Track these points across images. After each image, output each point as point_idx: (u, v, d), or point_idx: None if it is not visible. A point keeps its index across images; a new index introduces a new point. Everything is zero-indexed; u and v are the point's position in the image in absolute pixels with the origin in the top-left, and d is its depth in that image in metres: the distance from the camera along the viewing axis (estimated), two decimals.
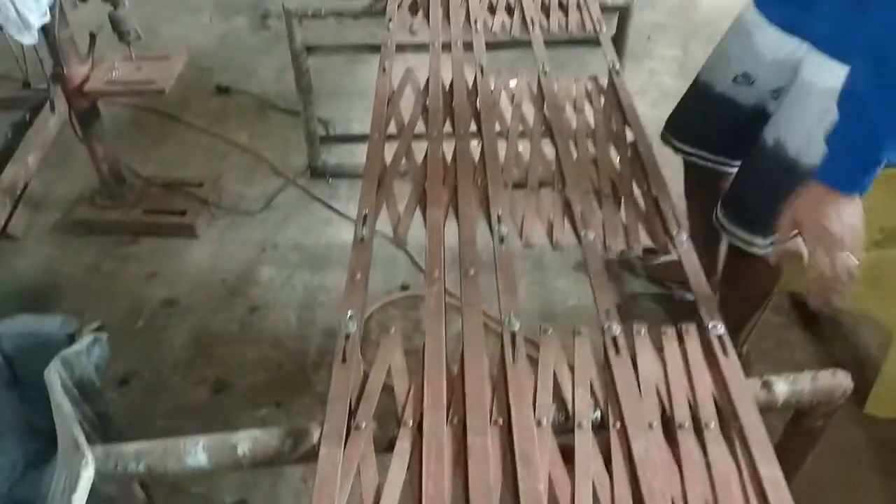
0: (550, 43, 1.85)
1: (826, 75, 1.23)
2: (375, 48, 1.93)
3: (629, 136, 1.50)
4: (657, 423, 0.92)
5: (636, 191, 1.36)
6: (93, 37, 2.00)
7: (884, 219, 1.76)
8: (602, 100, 1.64)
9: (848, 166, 1.01)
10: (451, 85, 1.62)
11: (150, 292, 2.03)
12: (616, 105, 1.59)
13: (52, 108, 2.12)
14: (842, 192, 1.00)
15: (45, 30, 1.84)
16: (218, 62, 3.14)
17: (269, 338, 1.90)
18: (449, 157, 1.41)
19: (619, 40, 2.15)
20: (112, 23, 1.90)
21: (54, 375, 1.13)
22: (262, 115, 2.84)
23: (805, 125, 1.30)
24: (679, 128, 1.66)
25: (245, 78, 3.03)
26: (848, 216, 1.00)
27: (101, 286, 2.06)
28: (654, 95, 2.92)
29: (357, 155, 2.54)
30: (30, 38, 1.78)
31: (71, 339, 1.29)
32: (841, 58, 1.19)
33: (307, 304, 2.00)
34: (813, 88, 1.28)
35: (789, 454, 1.10)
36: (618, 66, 1.70)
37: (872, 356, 1.84)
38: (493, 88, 1.63)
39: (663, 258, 1.84)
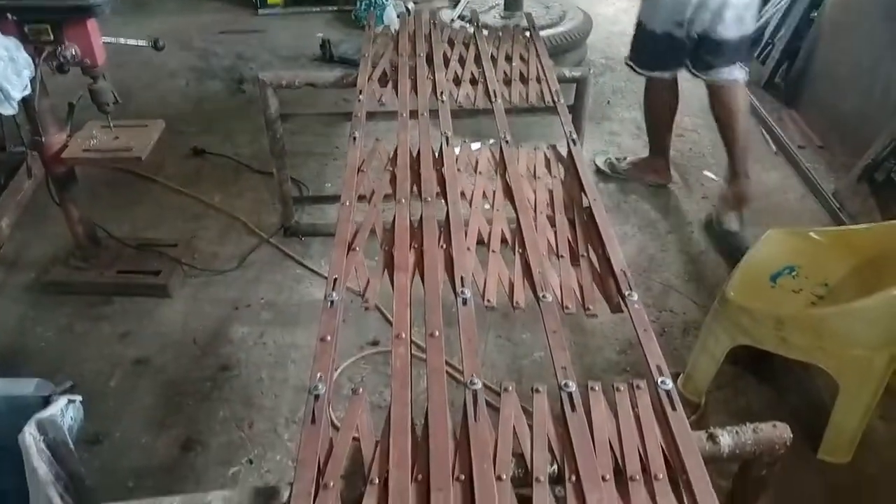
0: (512, 111, 1.97)
1: None
2: (347, 115, 2.03)
3: (585, 201, 1.60)
4: (610, 476, 0.98)
5: (591, 253, 1.45)
6: (71, 107, 2.06)
7: (828, 275, 1.88)
8: (560, 167, 1.75)
9: None
10: (418, 153, 1.71)
11: (122, 352, 2.05)
12: (573, 173, 1.69)
13: (29, 175, 2.17)
14: None
15: (25, 100, 1.91)
16: (194, 125, 3.23)
17: (241, 396, 1.93)
18: (415, 222, 1.48)
19: (577, 108, 2.28)
20: (91, 94, 1.98)
21: (29, 438, 1.16)
22: (237, 176, 2.91)
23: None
24: (637, 60, 2.65)
25: (220, 141, 3.12)
26: None
27: (74, 346, 2.07)
28: (615, 155, 3.05)
29: (329, 214, 2.63)
30: (10, 110, 1.84)
31: (45, 401, 1.31)
32: None
33: (279, 362, 2.03)
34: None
35: (739, 502, 1.17)
36: (575, 136, 1.81)
37: (825, 403, 1.92)
38: (457, 156, 1.73)
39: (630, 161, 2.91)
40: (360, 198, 1.57)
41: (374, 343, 2.09)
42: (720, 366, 1.87)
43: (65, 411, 1.29)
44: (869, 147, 2.69)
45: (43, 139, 2.00)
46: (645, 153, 2.90)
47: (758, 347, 1.75)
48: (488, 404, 1.08)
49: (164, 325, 2.16)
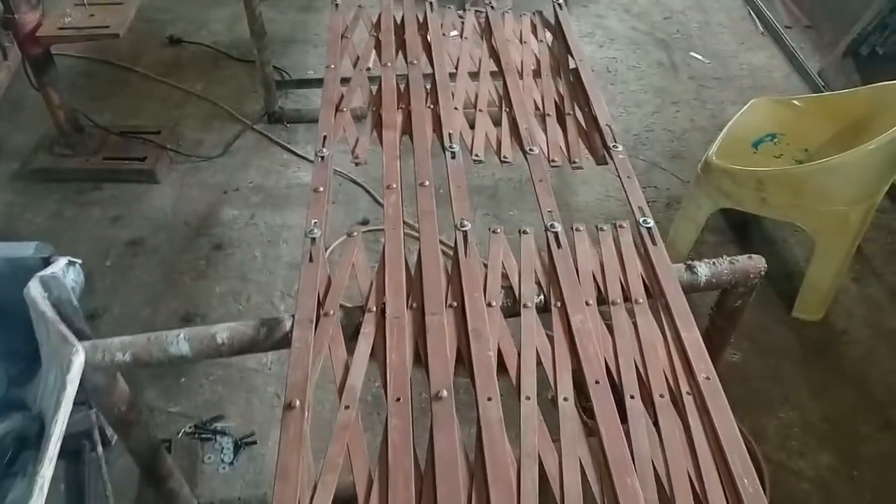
0: None
1: None
2: None
3: (571, 63, 1.60)
4: (593, 301, 1.03)
5: (577, 112, 1.47)
6: None
7: (809, 141, 1.91)
8: (547, 33, 1.73)
9: None
10: (402, 20, 1.69)
11: (116, 234, 2.08)
12: (560, 36, 1.68)
13: (5, 56, 2.11)
14: None
15: None
16: (168, 14, 3.13)
17: (236, 273, 1.97)
18: (402, 86, 1.48)
19: None
20: None
21: (34, 293, 1.19)
22: (216, 64, 2.85)
23: None
24: None
25: (196, 29, 3.03)
26: None
27: (66, 230, 2.09)
28: (601, 38, 3.02)
29: (313, 100, 2.61)
30: None
31: (45, 263, 1.33)
32: None
33: (271, 241, 2.07)
34: None
35: (715, 335, 1.24)
36: (562, 0, 1.78)
37: (800, 269, 2.00)
38: (442, 23, 1.71)
39: None
40: (344, 81, 1.54)
41: (364, 223, 2.13)
42: (701, 234, 1.93)
43: (66, 272, 1.32)
44: (856, 24, 2.67)
45: (16, 17, 1.94)
46: (636, 40, 2.87)
47: (738, 213, 1.81)
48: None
49: (155, 208, 2.18)
